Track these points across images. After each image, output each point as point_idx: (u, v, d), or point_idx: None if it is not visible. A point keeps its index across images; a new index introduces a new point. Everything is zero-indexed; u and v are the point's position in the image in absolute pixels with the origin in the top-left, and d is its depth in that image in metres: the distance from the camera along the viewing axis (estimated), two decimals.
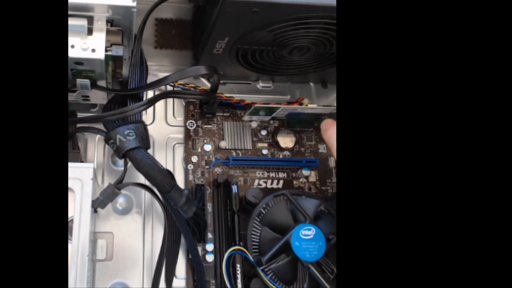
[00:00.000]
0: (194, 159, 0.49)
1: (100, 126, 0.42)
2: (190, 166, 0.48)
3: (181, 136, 0.50)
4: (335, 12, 0.38)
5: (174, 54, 0.51)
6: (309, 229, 0.43)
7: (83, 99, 0.43)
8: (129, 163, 0.40)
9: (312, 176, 0.51)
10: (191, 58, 0.51)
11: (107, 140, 0.39)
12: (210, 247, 0.45)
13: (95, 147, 0.47)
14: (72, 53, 0.36)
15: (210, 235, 0.46)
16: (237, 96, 0.51)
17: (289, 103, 0.52)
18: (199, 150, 0.49)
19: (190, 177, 0.48)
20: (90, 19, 0.37)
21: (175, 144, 0.50)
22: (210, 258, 0.45)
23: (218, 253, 0.45)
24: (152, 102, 0.41)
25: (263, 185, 0.49)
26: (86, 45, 0.36)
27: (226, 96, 0.50)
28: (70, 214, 0.36)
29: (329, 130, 0.43)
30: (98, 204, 0.39)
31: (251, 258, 0.43)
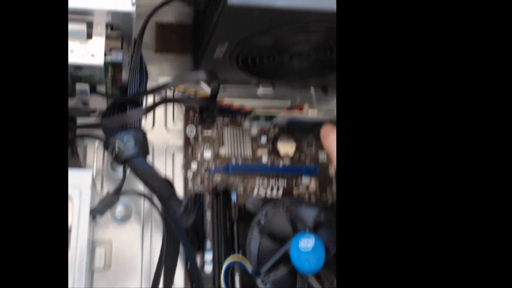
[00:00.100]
0: (194, 166, 0.48)
1: (100, 132, 0.42)
2: (190, 173, 0.48)
3: (180, 142, 0.49)
4: (334, 17, 0.38)
5: (175, 59, 0.51)
6: (309, 239, 0.42)
7: (82, 104, 0.43)
8: (128, 170, 0.39)
9: (312, 184, 0.50)
10: (191, 62, 0.50)
11: (106, 147, 0.39)
12: (209, 256, 0.45)
13: (94, 153, 0.47)
14: (71, 58, 0.36)
15: (209, 244, 0.45)
16: (237, 102, 0.50)
17: (289, 108, 0.52)
18: (199, 157, 0.49)
19: (189, 185, 0.47)
20: (89, 24, 0.36)
21: (174, 150, 0.49)
22: (208, 267, 0.44)
23: (217, 262, 0.45)
24: (151, 108, 0.40)
25: (263, 193, 0.49)
26: (86, 50, 0.36)
27: (226, 103, 0.49)
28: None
29: (329, 137, 0.42)
30: (96, 212, 0.38)
31: (249, 269, 0.43)
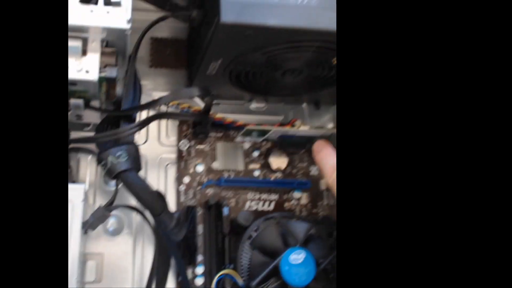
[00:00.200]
0: (186, 179, 0.48)
1: (93, 146, 0.42)
2: (182, 187, 0.48)
3: (173, 156, 0.49)
4: (327, 36, 0.39)
5: (169, 73, 0.51)
6: (299, 253, 0.42)
7: (76, 118, 0.43)
8: (121, 184, 0.39)
9: (304, 198, 0.51)
10: (185, 77, 0.50)
11: (98, 161, 0.39)
12: (200, 269, 0.45)
13: (87, 166, 0.47)
14: None
15: (200, 257, 0.45)
16: (230, 117, 0.51)
17: (282, 124, 0.52)
18: (192, 170, 0.49)
19: (182, 198, 0.48)
20: (85, 40, 0.37)
21: (167, 164, 0.49)
22: (199, 281, 0.45)
23: (208, 275, 0.45)
24: (144, 123, 0.41)
25: (255, 207, 0.49)
26: (80, 66, 0.36)
27: (219, 117, 0.50)
28: None
29: (321, 152, 0.42)
30: (88, 226, 0.39)
31: (239, 282, 0.43)
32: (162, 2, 0.45)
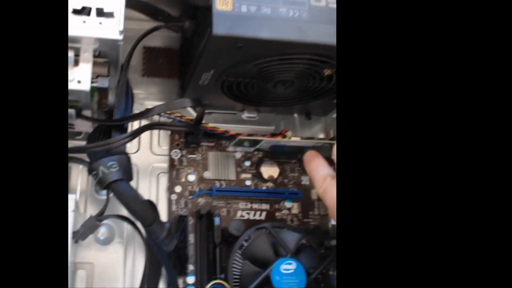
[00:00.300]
0: (178, 189, 0.48)
1: (84, 155, 0.41)
2: (174, 196, 0.48)
3: (165, 165, 0.49)
4: (318, 48, 0.39)
5: (162, 83, 0.51)
6: (290, 263, 0.42)
7: (68, 127, 0.43)
8: (112, 194, 0.39)
9: (295, 208, 0.50)
10: (178, 87, 0.50)
11: (90, 171, 0.39)
12: (191, 279, 0.45)
13: (78, 175, 0.46)
14: None
15: (191, 267, 0.45)
16: (222, 126, 0.50)
17: (273, 134, 0.52)
18: (183, 180, 0.48)
19: (173, 207, 0.47)
20: (77, 50, 0.36)
21: (159, 173, 0.49)
22: None
23: (199, 285, 0.44)
24: (136, 134, 0.40)
25: (246, 217, 0.49)
26: (72, 76, 0.36)
27: (211, 127, 0.49)
28: None
29: (312, 162, 0.42)
30: (78, 236, 0.38)
31: None
32: (155, 12, 0.44)
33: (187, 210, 0.47)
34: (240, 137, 0.48)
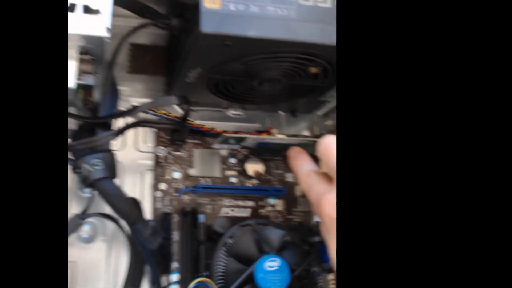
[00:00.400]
0: (163, 186, 0.47)
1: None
2: (159, 194, 0.47)
3: (150, 162, 0.48)
4: (305, 47, 0.38)
5: (148, 80, 0.50)
6: (274, 260, 0.42)
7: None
8: (96, 192, 0.38)
9: (279, 204, 0.50)
10: (164, 84, 0.49)
11: (74, 169, 0.38)
12: (175, 277, 0.44)
13: None
14: None
15: (175, 265, 0.44)
16: (208, 123, 0.50)
17: (259, 132, 0.51)
18: (168, 177, 0.48)
19: (158, 205, 0.46)
20: None
21: (144, 170, 0.48)
22: None
23: (183, 283, 0.43)
24: (121, 131, 0.40)
25: (231, 214, 0.48)
26: None
27: (196, 124, 0.49)
28: None
29: (296, 159, 0.42)
30: None
31: None
32: (142, 9, 0.43)
33: (172, 207, 0.47)
34: (226, 134, 0.47)
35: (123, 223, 0.40)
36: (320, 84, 0.45)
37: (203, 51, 0.38)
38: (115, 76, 0.41)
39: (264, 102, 0.50)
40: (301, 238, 0.46)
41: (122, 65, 0.48)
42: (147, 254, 0.41)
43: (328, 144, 0.37)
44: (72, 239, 0.43)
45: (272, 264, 0.42)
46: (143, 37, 0.49)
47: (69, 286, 0.42)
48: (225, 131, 0.49)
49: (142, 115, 0.46)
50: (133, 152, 0.49)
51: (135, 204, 0.40)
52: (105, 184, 0.37)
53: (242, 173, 0.50)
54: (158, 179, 0.47)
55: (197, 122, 0.49)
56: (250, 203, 0.49)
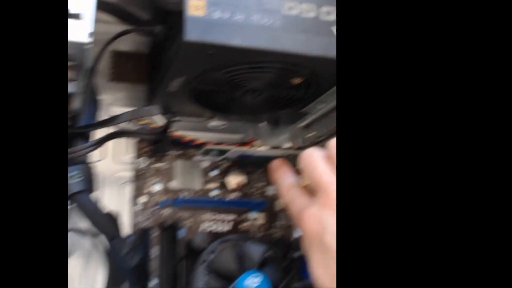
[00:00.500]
0: (143, 199, 0.45)
1: None
2: (138, 207, 0.45)
3: (130, 174, 0.46)
4: (289, 57, 0.37)
5: (130, 88, 0.48)
6: (255, 277, 0.41)
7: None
8: (73, 205, 0.37)
9: (260, 218, 0.49)
10: (146, 92, 0.48)
11: None
12: None
13: None
14: None
15: (155, 281, 0.43)
16: (190, 134, 0.49)
17: (241, 144, 0.51)
18: (148, 190, 0.46)
19: (138, 219, 0.45)
20: None
21: (124, 183, 0.46)
22: None
23: None
24: (101, 142, 0.38)
25: (212, 228, 0.47)
26: None
27: (178, 135, 0.48)
28: None
29: (278, 172, 0.42)
30: None
31: None
32: (125, 15, 0.42)
33: (151, 221, 0.45)
34: (208, 146, 0.46)
35: (101, 238, 0.38)
36: (302, 95, 0.44)
37: (186, 60, 0.37)
38: (96, 84, 0.40)
39: (247, 113, 0.49)
40: (282, 253, 0.45)
41: (103, 73, 0.46)
42: (125, 271, 0.40)
43: (311, 157, 0.36)
44: None
45: (253, 280, 0.41)
46: (126, 44, 0.47)
47: None
48: (207, 142, 0.48)
49: (122, 125, 0.45)
50: (113, 164, 0.47)
51: (114, 218, 0.38)
52: (83, 198, 0.36)
53: (223, 185, 0.49)
54: (137, 192, 0.46)
55: (179, 133, 0.47)
56: (231, 217, 0.48)
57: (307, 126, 0.51)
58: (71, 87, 0.35)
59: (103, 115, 0.41)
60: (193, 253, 0.43)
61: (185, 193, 0.47)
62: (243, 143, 0.50)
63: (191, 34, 0.34)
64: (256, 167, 0.50)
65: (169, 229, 0.44)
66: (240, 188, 0.49)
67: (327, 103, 0.45)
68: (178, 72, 0.39)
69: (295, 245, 0.48)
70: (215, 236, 0.45)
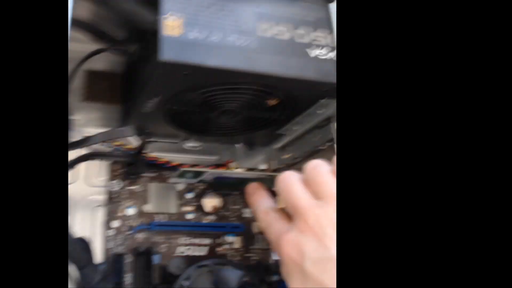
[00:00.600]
0: (116, 223, 0.43)
1: None
2: (111, 232, 0.43)
3: (103, 197, 0.45)
4: (264, 79, 0.37)
5: (104, 108, 0.46)
6: None
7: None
8: None
9: (237, 242, 0.48)
10: (120, 113, 0.47)
11: None
12: None
13: None
14: None
15: None
16: (164, 156, 0.47)
17: (217, 165, 0.50)
18: (122, 214, 0.44)
19: (110, 244, 0.43)
20: None
21: (96, 207, 0.44)
22: None
23: None
24: (72, 164, 0.37)
25: (187, 253, 0.45)
26: None
27: (152, 156, 0.46)
28: None
29: (254, 195, 0.41)
30: None
31: None
32: (99, 34, 0.41)
33: (124, 247, 0.43)
34: (183, 168, 0.45)
35: (72, 267, 0.37)
36: (278, 116, 0.44)
37: (161, 80, 0.36)
38: (68, 104, 0.39)
39: (222, 134, 0.48)
40: (259, 278, 0.44)
41: (76, 92, 0.45)
42: None
43: (287, 180, 0.35)
44: None
45: None
46: (100, 63, 0.46)
47: None
48: (182, 164, 0.46)
49: (95, 146, 0.44)
50: (84, 187, 0.45)
51: (84, 245, 0.37)
52: None
53: (199, 208, 0.48)
54: (110, 215, 0.44)
55: (153, 154, 0.46)
56: (207, 241, 0.47)
57: (283, 148, 0.51)
58: None
59: (75, 136, 0.39)
60: (168, 279, 0.42)
61: (160, 217, 0.46)
62: (219, 165, 0.49)
63: (167, 54, 0.34)
64: (232, 189, 0.49)
65: (143, 255, 0.43)
66: (216, 211, 0.48)
67: (303, 124, 0.45)
68: (153, 92, 0.38)
69: (273, 268, 0.46)
70: (191, 260, 0.43)
